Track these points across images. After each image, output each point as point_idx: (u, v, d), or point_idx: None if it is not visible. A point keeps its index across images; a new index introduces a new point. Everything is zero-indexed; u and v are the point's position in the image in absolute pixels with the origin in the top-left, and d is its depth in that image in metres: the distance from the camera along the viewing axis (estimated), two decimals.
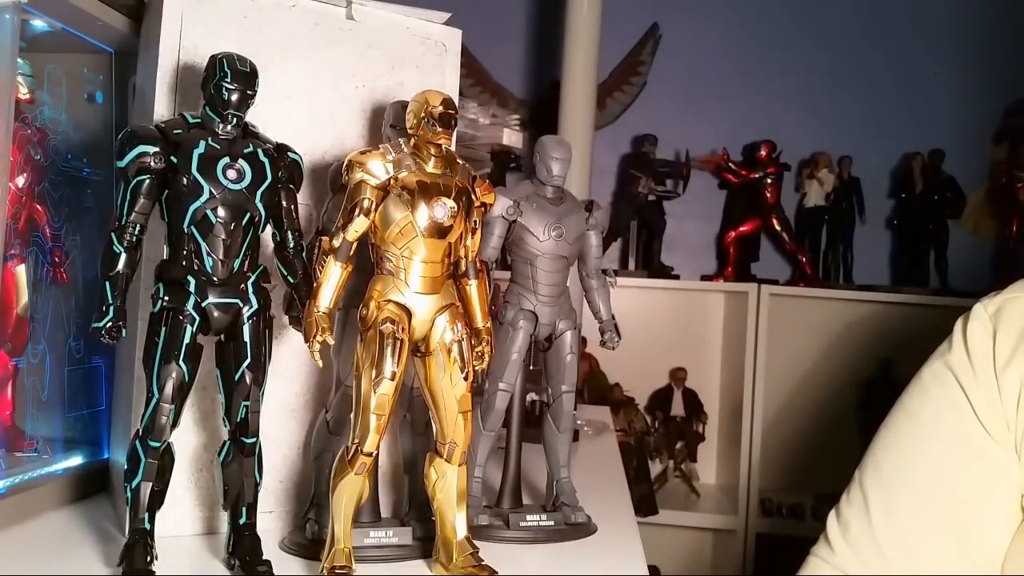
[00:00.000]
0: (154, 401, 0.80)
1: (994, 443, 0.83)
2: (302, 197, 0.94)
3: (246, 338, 0.85)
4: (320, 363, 0.85)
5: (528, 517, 1.07)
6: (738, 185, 2.82)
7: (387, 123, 1.01)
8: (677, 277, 2.79)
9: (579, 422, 1.82)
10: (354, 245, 0.85)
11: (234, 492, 0.86)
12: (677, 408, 2.82)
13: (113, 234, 0.81)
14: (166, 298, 0.82)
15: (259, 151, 0.86)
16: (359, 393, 0.84)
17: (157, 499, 0.83)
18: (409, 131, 0.89)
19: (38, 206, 1.10)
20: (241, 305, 0.85)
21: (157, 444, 0.81)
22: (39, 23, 1.05)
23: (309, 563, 0.92)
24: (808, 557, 0.93)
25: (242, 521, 0.86)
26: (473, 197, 0.92)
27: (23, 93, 1.06)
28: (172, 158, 0.82)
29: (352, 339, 0.90)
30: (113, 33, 1.13)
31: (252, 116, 0.88)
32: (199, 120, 0.85)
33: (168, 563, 0.84)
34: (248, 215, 0.85)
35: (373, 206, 0.86)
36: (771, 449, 2.73)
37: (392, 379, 0.83)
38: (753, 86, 2.96)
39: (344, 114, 1.08)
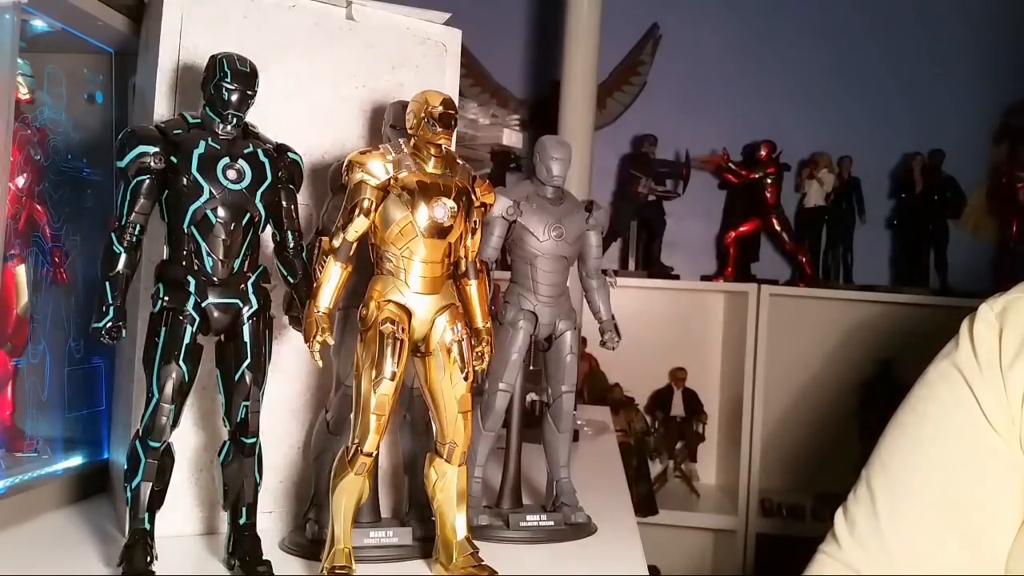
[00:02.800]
0: (154, 401, 0.80)
1: (1001, 441, 0.83)
2: (302, 197, 0.94)
3: (246, 338, 0.85)
4: (320, 363, 0.85)
5: (528, 517, 1.07)
6: (738, 185, 2.82)
7: (387, 123, 1.01)
8: (677, 277, 2.79)
9: (579, 422, 1.82)
10: (354, 245, 0.85)
11: (234, 492, 0.86)
12: (677, 408, 2.82)
13: (113, 234, 0.81)
14: (166, 298, 0.82)
15: (259, 151, 0.86)
16: (359, 393, 0.84)
17: (157, 499, 0.83)
18: (409, 131, 0.89)
19: (38, 206, 1.10)
20: (241, 305, 0.85)
21: (157, 444, 0.81)
22: (39, 23, 1.05)
23: (309, 563, 0.92)
24: (816, 555, 0.93)
25: (242, 521, 0.86)
26: (473, 197, 0.92)
27: (23, 93, 1.05)
28: (172, 158, 0.82)
29: (352, 339, 0.90)
30: (113, 33, 1.13)
31: (252, 116, 0.87)
32: (199, 120, 0.85)
33: (168, 563, 0.84)
34: (248, 215, 0.85)
35: (373, 206, 0.86)
36: (771, 449, 2.73)
37: (392, 379, 0.83)
38: (753, 86, 2.96)
39: (344, 114, 1.08)
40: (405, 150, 0.89)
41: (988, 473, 0.84)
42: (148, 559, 0.80)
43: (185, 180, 0.82)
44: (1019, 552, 0.81)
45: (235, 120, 0.85)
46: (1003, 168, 2.77)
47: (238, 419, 0.85)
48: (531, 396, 1.25)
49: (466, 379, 0.89)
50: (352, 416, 0.85)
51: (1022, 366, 0.82)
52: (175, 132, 0.83)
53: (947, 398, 0.88)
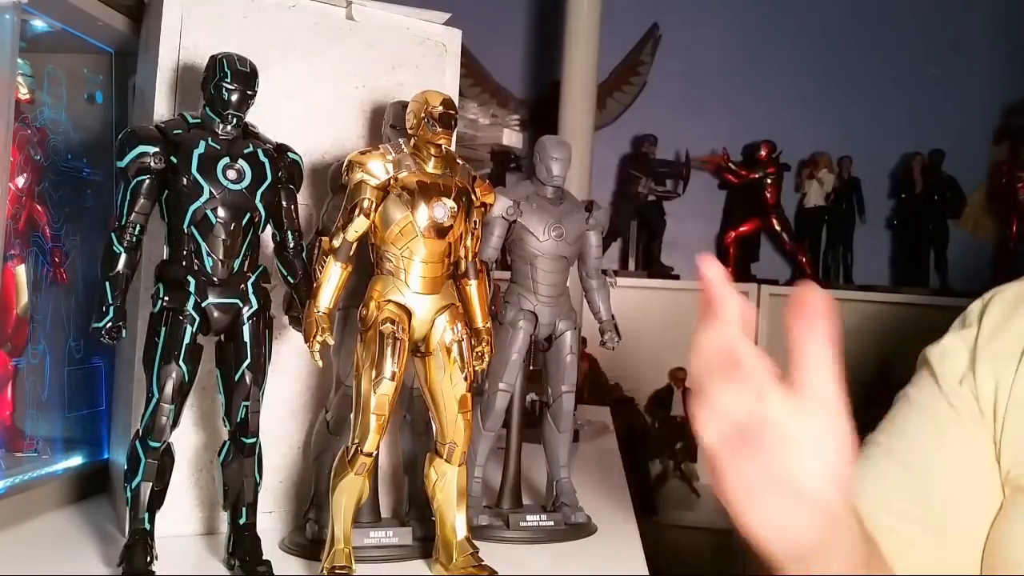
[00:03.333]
0: (154, 401, 0.80)
1: (963, 421, 0.84)
2: (302, 197, 0.94)
3: (246, 338, 0.85)
4: (320, 363, 0.85)
5: (528, 517, 1.07)
6: (738, 185, 2.82)
7: (387, 123, 1.01)
8: (677, 277, 2.79)
9: (579, 422, 1.82)
10: (354, 245, 0.85)
11: (234, 492, 0.86)
12: (677, 408, 2.81)
13: (113, 234, 0.81)
14: (166, 298, 0.82)
15: (259, 151, 0.86)
16: (359, 393, 0.84)
17: (157, 499, 0.83)
18: (409, 131, 0.89)
19: (38, 206, 1.10)
20: (241, 305, 0.85)
21: (157, 444, 0.81)
22: (39, 23, 1.05)
23: (309, 563, 0.92)
24: None
25: (242, 521, 0.86)
26: (473, 197, 0.92)
27: (23, 93, 1.05)
28: (172, 158, 0.82)
29: (352, 339, 0.90)
30: (113, 33, 1.13)
31: (252, 116, 0.87)
32: (199, 120, 0.85)
33: (168, 563, 0.84)
34: (248, 215, 0.85)
35: (373, 206, 0.86)
36: None
37: (392, 379, 0.83)
38: (753, 86, 2.96)
39: (344, 114, 1.08)
40: (405, 150, 0.89)
41: (953, 449, 0.85)
42: (148, 559, 0.80)
43: (185, 180, 0.82)
44: (999, 535, 0.82)
45: (235, 120, 0.85)
46: (1003, 168, 2.77)
47: (238, 419, 0.85)
48: (531, 396, 1.25)
49: (466, 379, 0.89)
50: (352, 416, 0.85)
51: (994, 348, 0.84)
52: (175, 132, 0.83)
53: (925, 380, 0.90)
